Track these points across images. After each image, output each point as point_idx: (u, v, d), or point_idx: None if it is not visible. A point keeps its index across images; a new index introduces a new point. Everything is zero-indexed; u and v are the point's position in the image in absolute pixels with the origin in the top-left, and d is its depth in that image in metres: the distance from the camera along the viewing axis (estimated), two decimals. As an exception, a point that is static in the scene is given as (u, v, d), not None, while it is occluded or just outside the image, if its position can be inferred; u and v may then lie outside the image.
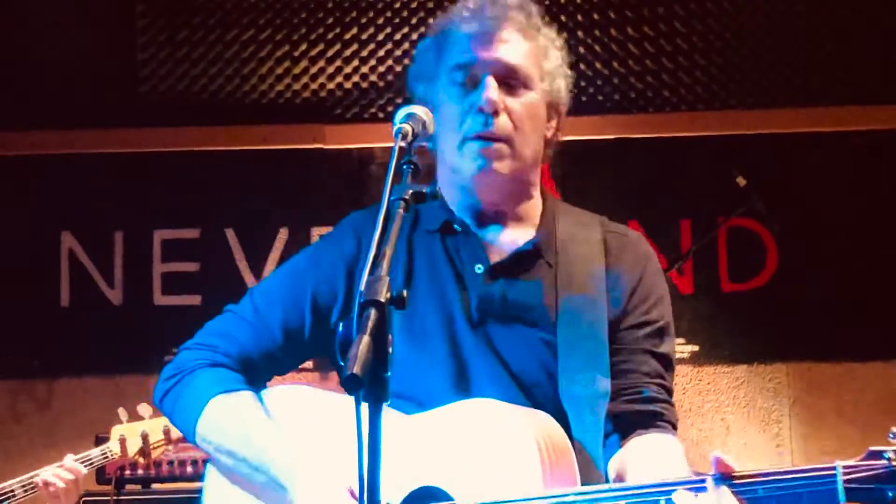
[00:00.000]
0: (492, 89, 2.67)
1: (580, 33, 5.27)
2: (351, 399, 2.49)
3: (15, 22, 5.01)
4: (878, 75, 5.26)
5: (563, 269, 2.73)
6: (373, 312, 1.97)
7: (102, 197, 5.36)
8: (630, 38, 5.28)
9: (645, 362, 2.71)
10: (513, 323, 2.65)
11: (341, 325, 2.00)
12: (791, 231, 5.29)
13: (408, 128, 2.49)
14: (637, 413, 2.67)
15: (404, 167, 2.41)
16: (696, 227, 5.34)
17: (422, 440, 2.47)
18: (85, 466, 4.13)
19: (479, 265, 2.68)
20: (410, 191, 2.32)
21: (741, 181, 5.08)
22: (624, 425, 2.67)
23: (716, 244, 5.33)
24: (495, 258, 2.71)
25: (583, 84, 5.33)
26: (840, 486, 2.15)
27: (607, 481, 2.59)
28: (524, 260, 2.72)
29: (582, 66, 5.31)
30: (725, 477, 2.22)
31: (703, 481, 2.24)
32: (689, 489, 2.25)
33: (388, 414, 2.43)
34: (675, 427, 2.69)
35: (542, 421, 2.49)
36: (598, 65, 5.32)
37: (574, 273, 2.73)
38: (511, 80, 2.71)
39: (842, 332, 5.21)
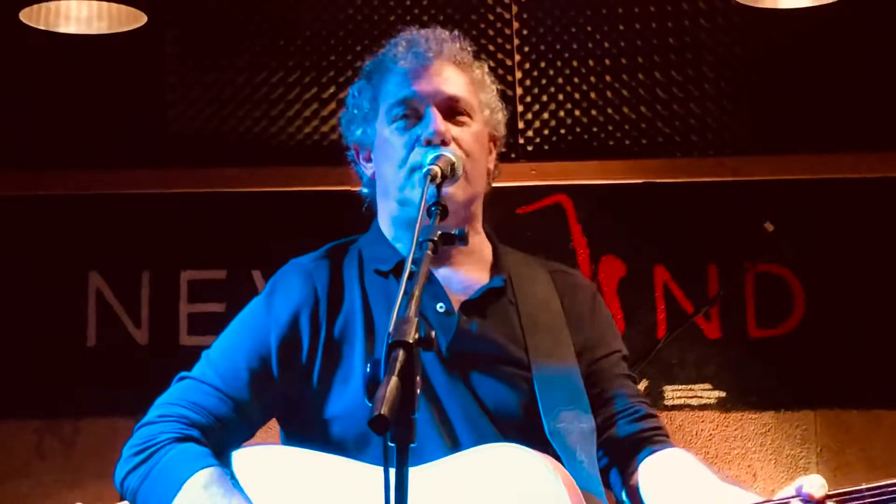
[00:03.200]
0: (438, 120, 2.70)
1: (608, 77, 5.26)
2: (322, 457, 2.51)
3: (43, 61, 5.03)
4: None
5: (524, 307, 2.76)
6: (401, 353, 1.97)
7: (130, 237, 5.38)
8: (658, 83, 5.28)
9: (626, 385, 2.80)
10: (488, 362, 2.65)
11: (368, 365, 2.01)
12: (819, 277, 5.27)
13: (437, 169, 2.50)
14: (642, 431, 2.71)
15: (433, 208, 2.42)
16: (723, 272, 5.32)
17: (442, 490, 2.44)
18: None
19: (441, 304, 2.67)
20: (439, 232, 2.33)
21: (769, 227, 5.07)
22: (631, 447, 2.71)
23: (743, 290, 5.31)
24: (458, 297, 2.71)
25: (610, 128, 5.34)
26: None
27: None
28: (493, 297, 2.73)
29: (609, 111, 5.32)
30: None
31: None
32: None
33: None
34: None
35: (557, 464, 2.49)
36: (625, 109, 5.32)
37: (535, 312, 2.76)
38: (453, 110, 2.74)
39: (870, 379, 5.17)
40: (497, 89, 2.90)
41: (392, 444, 1.93)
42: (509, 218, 5.34)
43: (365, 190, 2.97)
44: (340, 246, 2.91)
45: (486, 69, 2.89)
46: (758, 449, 5.21)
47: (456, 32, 2.87)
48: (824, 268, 5.26)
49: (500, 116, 2.89)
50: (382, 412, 1.86)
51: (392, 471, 1.93)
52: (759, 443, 5.22)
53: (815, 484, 2.33)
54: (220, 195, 5.41)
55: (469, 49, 2.86)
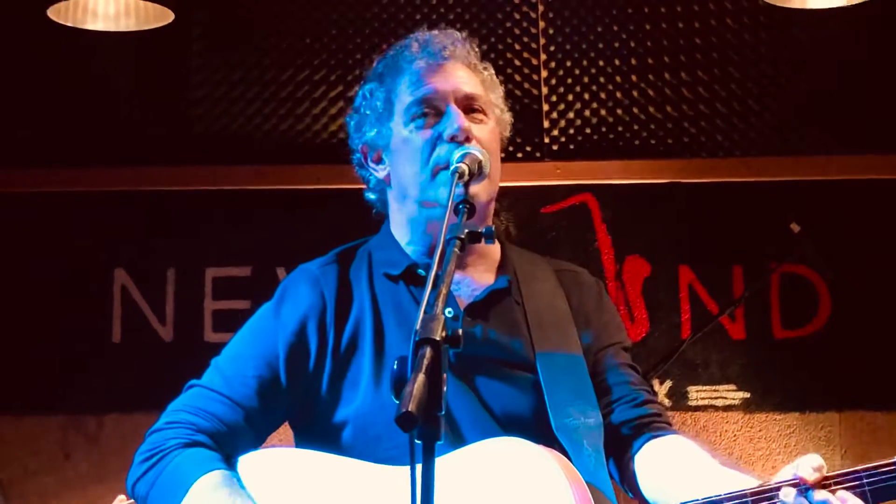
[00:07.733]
0: (461, 116, 2.70)
1: (634, 77, 5.26)
2: (333, 458, 2.51)
3: (68, 60, 5.05)
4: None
5: (530, 306, 2.76)
6: (428, 351, 1.97)
7: (155, 234, 5.39)
8: (684, 83, 5.27)
9: (628, 374, 2.80)
10: (493, 365, 2.66)
11: (395, 362, 2.00)
12: (844, 278, 5.24)
13: (465, 167, 2.50)
14: (640, 417, 2.72)
15: (460, 207, 2.42)
16: (749, 273, 5.29)
17: (448, 482, 2.44)
18: None
19: (449, 309, 2.67)
20: (466, 230, 2.32)
21: (795, 227, 5.05)
22: (629, 432, 2.72)
23: (768, 290, 5.29)
24: (465, 300, 2.71)
25: (636, 128, 5.33)
26: None
27: (636, 491, 2.59)
28: (498, 298, 2.73)
29: (635, 111, 5.31)
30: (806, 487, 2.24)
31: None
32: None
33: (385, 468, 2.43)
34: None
35: (560, 456, 2.49)
36: (651, 109, 5.31)
37: (541, 310, 2.76)
38: (472, 107, 2.75)
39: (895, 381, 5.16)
40: (503, 91, 2.92)
41: (419, 442, 1.93)
42: (534, 217, 5.33)
43: (372, 195, 2.96)
44: (349, 250, 2.92)
45: (493, 71, 2.91)
46: (782, 450, 5.19)
47: (466, 34, 2.90)
48: (850, 268, 5.24)
49: (507, 118, 2.91)
50: (410, 409, 1.85)
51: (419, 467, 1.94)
52: (784, 444, 5.20)
53: (810, 466, 2.26)
54: (246, 192, 5.41)
55: (477, 51, 2.88)
